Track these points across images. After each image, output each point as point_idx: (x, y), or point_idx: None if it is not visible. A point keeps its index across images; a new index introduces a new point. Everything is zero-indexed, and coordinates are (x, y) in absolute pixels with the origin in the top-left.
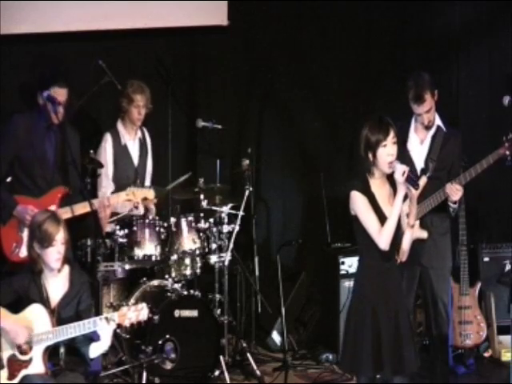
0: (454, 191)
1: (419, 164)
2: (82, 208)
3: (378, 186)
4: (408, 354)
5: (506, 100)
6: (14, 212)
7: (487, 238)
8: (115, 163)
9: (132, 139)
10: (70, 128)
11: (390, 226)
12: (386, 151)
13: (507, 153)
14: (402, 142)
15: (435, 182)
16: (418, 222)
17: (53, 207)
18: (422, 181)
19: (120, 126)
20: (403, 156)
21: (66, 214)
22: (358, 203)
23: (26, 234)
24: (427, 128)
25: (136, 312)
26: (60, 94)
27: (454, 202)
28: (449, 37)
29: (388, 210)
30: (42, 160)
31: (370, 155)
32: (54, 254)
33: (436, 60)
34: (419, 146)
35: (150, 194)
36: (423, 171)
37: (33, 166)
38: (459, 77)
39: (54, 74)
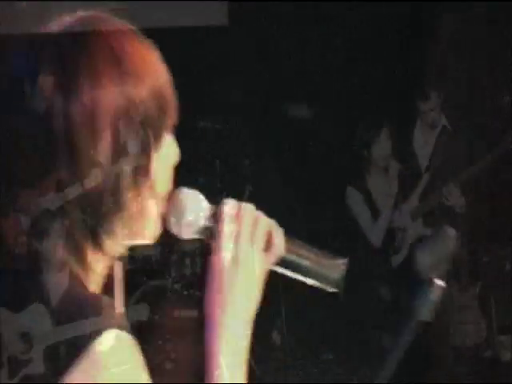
0: None
1: (423, 163)
2: None
3: None
4: None
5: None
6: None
7: (487, 238)
8: None
9: None
10: None
11: None
12: None
13: None
14: (407, 141)
15: (438, 182)
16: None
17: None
18: None
19: None
20: (407, 155)
21: None
22: None
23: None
24: (432, 127)
25: (135, 312)
26: None
27: None
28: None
29: None
30: None
31: None
32: (54, 245)
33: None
34: (424, 145)
35: None
36: (426, 170)
37: None
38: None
39: None
